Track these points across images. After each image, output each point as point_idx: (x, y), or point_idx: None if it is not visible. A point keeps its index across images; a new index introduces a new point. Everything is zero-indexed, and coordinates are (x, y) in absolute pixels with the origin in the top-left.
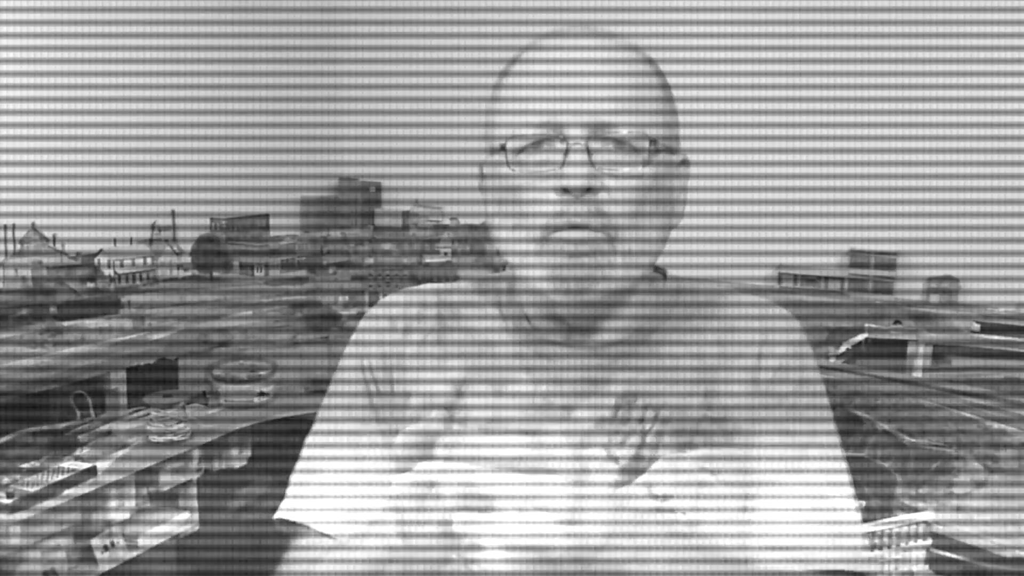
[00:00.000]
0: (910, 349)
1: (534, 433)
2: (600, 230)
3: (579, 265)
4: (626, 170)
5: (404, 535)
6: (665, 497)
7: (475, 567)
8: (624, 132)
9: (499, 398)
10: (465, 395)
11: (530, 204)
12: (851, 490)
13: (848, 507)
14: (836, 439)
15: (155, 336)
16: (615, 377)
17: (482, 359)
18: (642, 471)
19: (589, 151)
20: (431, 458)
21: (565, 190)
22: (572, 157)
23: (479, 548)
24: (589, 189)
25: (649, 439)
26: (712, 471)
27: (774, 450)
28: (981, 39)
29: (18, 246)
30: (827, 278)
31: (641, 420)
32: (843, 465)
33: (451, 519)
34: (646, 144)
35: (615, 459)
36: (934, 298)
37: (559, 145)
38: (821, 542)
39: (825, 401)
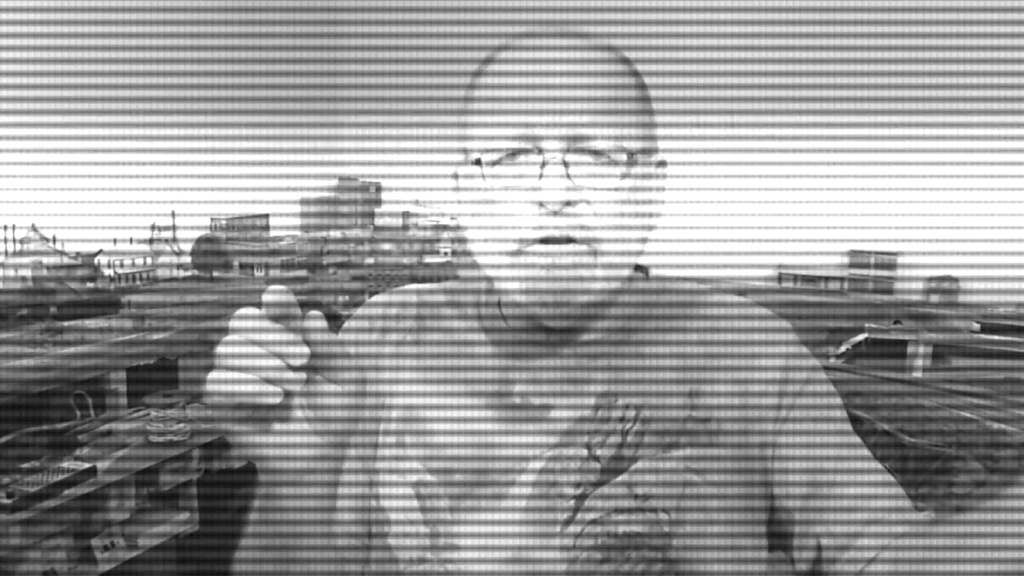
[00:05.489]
0: (910, 349)
1: (509, 432)
2: (582, 243)
3: (556, 278)
4: (604, 183)
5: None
6: (646, 497)
7: (450, 567)
8: (601, 144)
9: (474, 398)
10: (439, 395)
11: (506, 217)
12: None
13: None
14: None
15: (155, 336)
16: (595, 376)
17: (458, 359)
18: (622, 471)
19: (566, 164)
20: (404, 458)
21: (542, 204)
22: (549, 171)
23: (454, 548)
24: (567, 203)
25: (630, 439)
26: (697, 471)
27: (831, 462)
28: (981, 39)
29: (18, 246)
30: (827, 278)
31: (621, 419)
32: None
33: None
34: (624, 156)
35: (596, 459)
36: (934, 298)
37: (535, 158)
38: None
39: (840, 400)
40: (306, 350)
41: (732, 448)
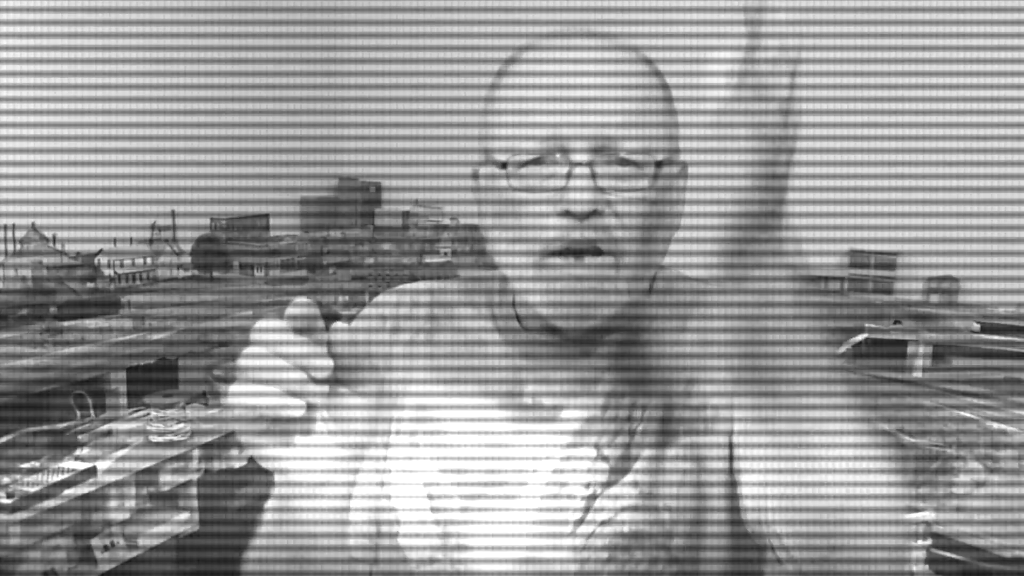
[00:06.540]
0: (910, 349)
1: (521, 433)
2: (606, 254)
3: (581, 291)
4: (631, 194)
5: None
6: (652, 496)
7: (461, 567)
8: (629, 146)
9: (486, 398)
10: (452, 395)
11: (531, 225)
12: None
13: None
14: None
15: (155, 336)
16: (604, 376)
17: (471, 359)
18: (630, 470)
19: (594, 173)
20: (413, 458)
21: (568, 213)
22: (576, 179)
23: (465, 548)
24: (593, 212)
25: (637, 438)
26: (695, 459)
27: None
28: (981, 39)
29: (18, 246)
30: (827, 278)
31: (629, 419)
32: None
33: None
34: (652, 164)
35: (605, 459)
36: (934, 298)
37: (562, 163)
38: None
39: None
40: (330, 363)
41: (726, 434)
